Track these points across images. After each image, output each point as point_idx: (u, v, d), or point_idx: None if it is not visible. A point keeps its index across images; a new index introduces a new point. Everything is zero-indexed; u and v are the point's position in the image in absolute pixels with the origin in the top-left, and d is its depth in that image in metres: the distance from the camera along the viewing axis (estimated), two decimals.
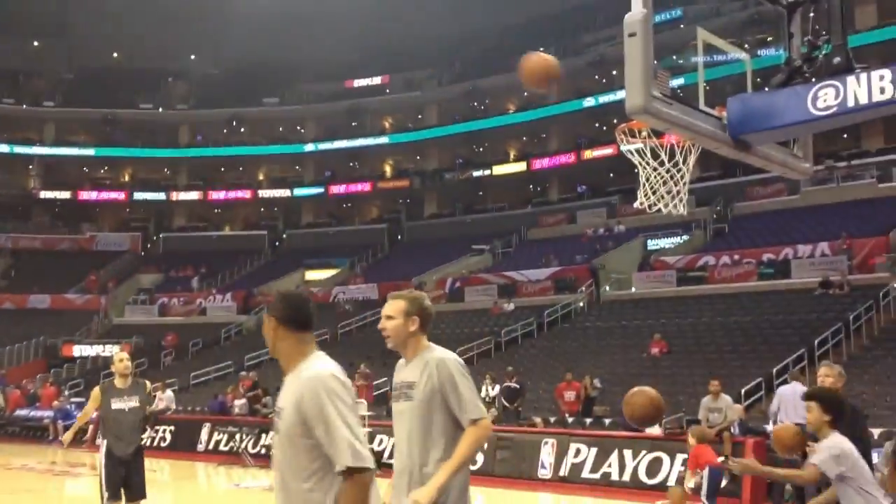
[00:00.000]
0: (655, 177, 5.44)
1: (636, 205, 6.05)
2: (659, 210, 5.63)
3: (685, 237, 31.41)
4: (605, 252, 31.95)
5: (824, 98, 3.98)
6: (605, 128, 39.37)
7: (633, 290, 28.19)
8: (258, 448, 16.83)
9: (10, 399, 26.18)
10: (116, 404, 7.48)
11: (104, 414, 7.52)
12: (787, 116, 4.16)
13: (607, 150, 38.62)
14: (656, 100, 3.98)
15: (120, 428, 7.44)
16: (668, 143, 5.59)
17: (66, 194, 48.34)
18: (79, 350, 35.18)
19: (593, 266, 29.82)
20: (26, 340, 34.80)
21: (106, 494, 7.42)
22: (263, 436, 17.01)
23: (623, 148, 6.08)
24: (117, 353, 7.86)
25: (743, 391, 16.64)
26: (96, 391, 7.71)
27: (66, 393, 26.31)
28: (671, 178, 5.38)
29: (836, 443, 4.53)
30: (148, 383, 8.06)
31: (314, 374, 2.97)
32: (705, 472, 9.46)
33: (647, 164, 5.54)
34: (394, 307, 3.82)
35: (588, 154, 39.45)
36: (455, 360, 3.73)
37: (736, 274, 25.78)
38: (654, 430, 13.80)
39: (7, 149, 47.31)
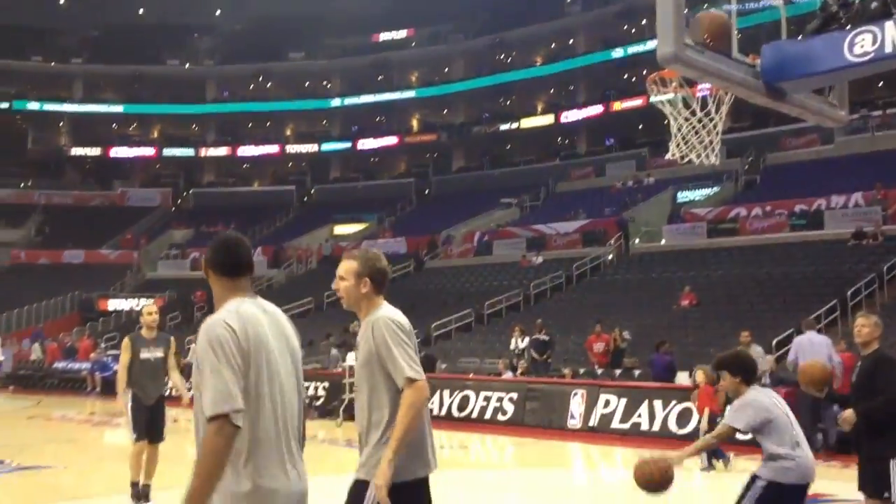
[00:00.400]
0: (687, 127, 5.39)
1: (668, 156, 6.01)
2: (690, 161, 5.58)
3: (715, 189, 31.12)
4: (634, 205, 31.78)
5: (861, 44, 3.92)
6: (633, 79, 38.94)
7: (663, 242, 28.04)
8: None
9: (48, 352, 26.77)
10: (144, 354, 7.86)
11: (132, 363, 7.86)
12: (822, 63, 4.10)
13: (636, 102, 38.27)
14: (688, 48, 3.94)
15: (145, 376, 7.83)
16: (701, 93, 5.54)
17: (96, 151, 48.85)
18: (113, 304, 35.79)
19: (622, 219, 29.68)
20: (62, 295, 35.43)
21: (134, 435, 7.87)
22: None
23: (654, 98, 6.04)
24: (146, 307, 8.31)
25: (774, 343, 16.61)
26: (126, 341, 8.08)
27: (103, 346, 26.85)
28: (703, 127, 5.33)
29: (744, 398, 4.79)
30: (172, 338, 8.39)
31: (208, 320, 2.92)
32: (704, 418, 9.50)
33: (679, 114, 5.49)
34: (345, 268, 3.68)
35: (617, 106, 39.03)
36: (388, 320, 3.54)
37: (767, 225, 25.54)
38: (683, 381, 13.89)
39: (37, 106, 47.76)
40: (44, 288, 35.44)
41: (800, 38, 4.36)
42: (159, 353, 7.92)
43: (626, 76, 40.62)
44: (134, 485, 7.82)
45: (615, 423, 12.94)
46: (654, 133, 40.72)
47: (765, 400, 4.84)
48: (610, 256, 28.02)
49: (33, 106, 47.72)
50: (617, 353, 17.00)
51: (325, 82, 49.18)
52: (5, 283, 38.01)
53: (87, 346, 26.23)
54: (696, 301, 21.12)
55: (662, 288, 23.50)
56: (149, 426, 7.80)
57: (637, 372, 16.02)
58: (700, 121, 5.13)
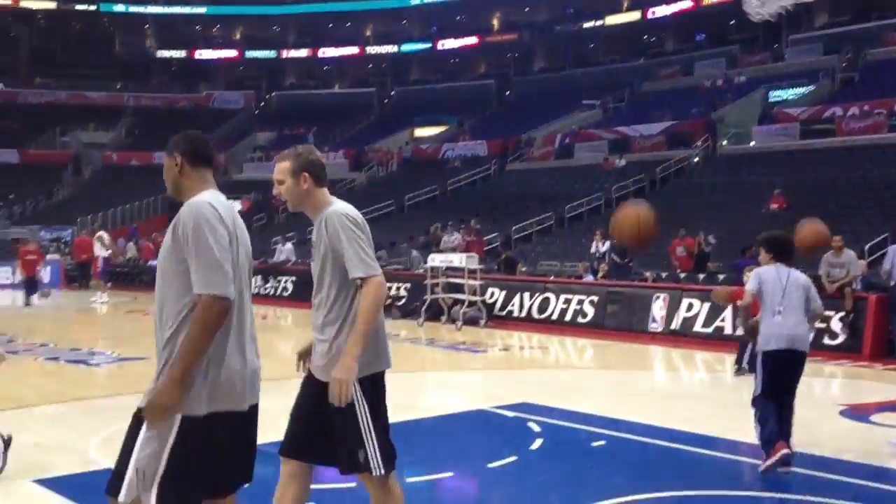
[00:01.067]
0: None
1: (743, 7, 5.63)
2: (760, 17, 5.22)
3: (811, 87, 29.77)
4: (722, 105, 30.70)
5: None
6: None
7: (753, 144, 27.13)
8: None
9: (142, 250, 27.77)
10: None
11: None
12: None
13: None
14: None
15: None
16: None
17: (181, 53, 49.41)
18: None
19: (710, 120, 28.74)
20: (153, 196, 36.46)
21: None
22: None
23: None
24: None
25: (867, 248, 16.09)
26: None
27: None
28: None
29: (757, 270, 5.76)
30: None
31: (190, 203, 3.04)
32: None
33: None
34: (279, 169, 3.55)
35: (707, 0, 37.28)
36: (340, 214, 3.42)
37: (864, 126, 24.41)
38: None
39: (123, 8, 48.31)
40: (136, 188, 36.52)
41: None
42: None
43: None
44: None
45: (697, 327, 12.82)
46: (746, 29, 39.00)
47: (769, 272, 5.64)
48: (696, 159, 27.29)
49: (119, 8, 48.33)
50: (701, 257, 16.71)
51: None
52: (100, 183, 39.38)
53: None
54: (786, 204, 20.48)
55: (750, 191, 22.86)
56: None
57: (721, 276, 15.73)
58: None
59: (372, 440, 3.45)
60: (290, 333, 15.45)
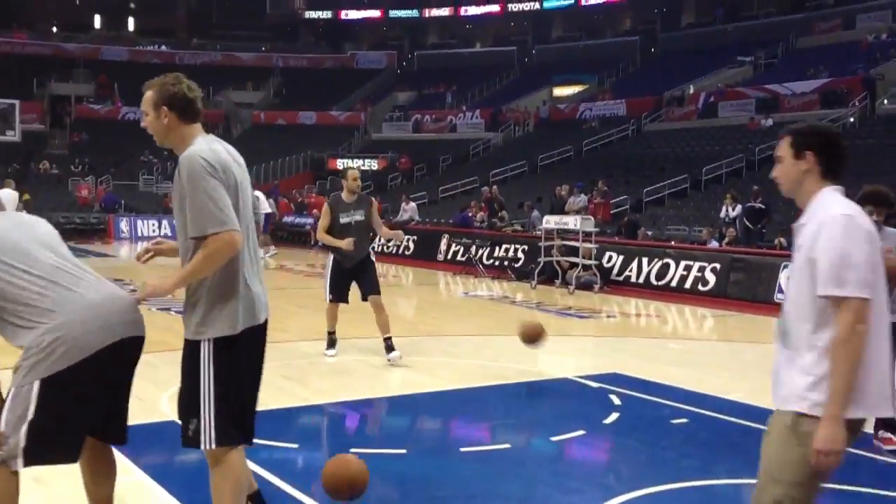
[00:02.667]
0: None
1: None
2: None
3: None
4: (885, 61, 28.33)
5: None
6: None
7: None
8: (491, 260, 17.26)
9: (280, 207, 28.62)
10: (344, 218, 7.70)
11: (332, 226, 7.74)
12: None
13: None
14: None
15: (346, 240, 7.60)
16: None
17: (328, 14, 50.36)
18: (341, 163, 37.43)
19: (869, 76, 26.59)
20: (296, 154, 37.53)
21: (330, 296, 7.97)
22: (497, 248, 17.39)
23: None
24: (350, 171, 7.96)
25: None
26: (325, 206, 8.00)
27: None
28: None
29: None
30: (373, 199, 8.19)
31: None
32: None
33: None
34: (144, 100, 3.23)
35: None
36: (195, 156, 3.04)
37: None
38: None
39: None
40: (281, 147, 37.68)
41: None
42: (359, 217, 7.70)
43: None
44: (329, 333, 8.08)
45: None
46: None
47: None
48: (852, 119, 25.36)
49: None
50: None
51: None
52: (248, 142, 40.78)
53: (319, 202, 27.70)
54: None
55: None
56: (358, 282, 7.81)
57: None
58: None
59: (208, 410, 3.10)
60: (412, 292, 15.51)
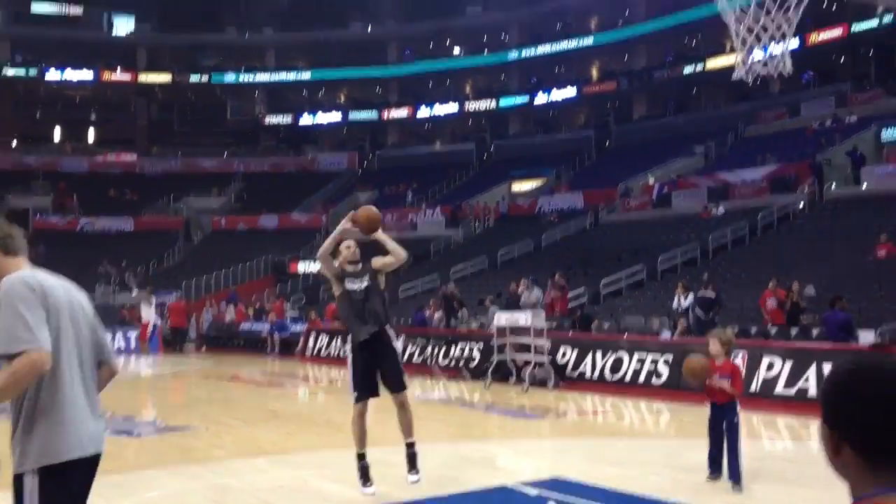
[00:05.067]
0: (746, 34, 4.46)
1: (734, 76, 5.10)
2: (757, 75, 4.66)
3: None
4: (831, 146, 29.08)
5: None
6: (833, 6, 35.51)
7: (864, 187, 25.45)
8: (447, 360, 17.00)
9: (237, 313, 28.27)
10: (350, 285, 6.67)
11: (340, 295, 6.73)
12: None
13: (836, 32, 35.01)
14: None
15: (356, 309, 6.60)
16: None
17: (287, 118, 51.10)
18: (303, 266, 37.31)
19: (816, 162, 27.20)
20: (257, 258, 37.34)
21: (355, 394, 6.66)
22: (452, 347, 17.15)
23: (718, 5, 5.09)
24: (343, 243, 6.92)
25: None
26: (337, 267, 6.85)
27: (288, 306, 28.01)
28: (777, 29, 4.39)
29: None
30: (375, 260, 6.91)
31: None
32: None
33: (748, 17, 4.56)
34: None
35: (814, 38, 35.71)
36: (14, 281, 3.02)
37: None
38: (864, 342, 12.44)
39: (234, 77, 50.46)
40: (241, 252, 37.51)
41: None
42: (366, 282, 6.65)
43: (825, 4, 37.08)
44: (360, 457, 6.69)
45: (779, 389, 11.75)
46: (856, 66, 37.16)
47: None
48: (801, 204, 25.81)
49: (230, 77, 50.50)
50: (793, 310, 15.51)
51: (502, 35, 48.57)
52: (207, 248, 40.71)
53: (278, 307, 27.41)
54: (895, 251, 18.96)
55: (858, 238, 21.35)
56: (374, 376, 6.56)
57: (816, 331, 14.54)
58: (764, 27, 4.21)
59: None
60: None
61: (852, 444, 1.52)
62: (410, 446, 6.69)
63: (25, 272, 3.11)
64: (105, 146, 50.88)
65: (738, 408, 7.05)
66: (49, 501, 2.97)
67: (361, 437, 6.64)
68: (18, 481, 3.00)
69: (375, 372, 6.59)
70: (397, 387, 6.59)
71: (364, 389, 6.57)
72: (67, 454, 3.01)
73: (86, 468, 3.11)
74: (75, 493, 3.09)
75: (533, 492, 7.01)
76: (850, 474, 1.56)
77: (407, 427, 6.68)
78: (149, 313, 21.90)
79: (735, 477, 6.86)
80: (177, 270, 37.44)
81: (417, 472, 6.69)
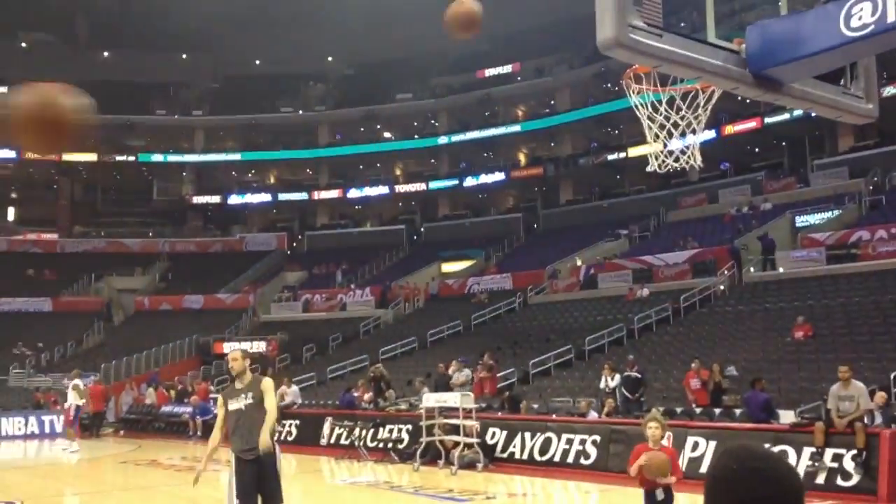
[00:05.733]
0: (658, 130, 4.66)
1: (648, 168, 5.31)
2: (668, 168, 4.86)
3: (837, 212, 29.14)
4: (748, 231, 30.13)
5: (859, 15, 3.15)
6: (747, 101, 37.21)
7: (781, 270, 26.34)
8: (375, 442, 16.73)
9: (159, 396, 27.43)
10: (232, 405, 7.02)
11: (227, 416, 7.04)
12: (815, 42, 3.32)
13: (750, 124, 36.68)
14: (637, 30, 3.28)
15: (237, 429, 6.95)
16: (691, 90, 4.81)
17: (216, 199, 50.72)
18: (228, 347, 36.45)
19: (735, 247, 28.11)
20: (181, 339, 36.46)
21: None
22: (381, 429, 16.90)
23: (631, 100, 5.33)
24: (230, 353, 7.34)
25: (894, 376, 15.06)
26: (220, 399, 7.31)
27: (213, 389, 27.27)
28: (688, 126, 4.60)
29: None
30: (268, 380, 7.29)
31: None
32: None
33: (659, 114, 4.77)
34: None
35: (729, 129, 37.32)
36: None
37: (893, 249, 23.59)
38: (784, 422, 12.68)
39: (161, 157, 50.07)
40: (165, 332, 36.62)
41: (786, 14, 3.59)
42: (249, 400, 6.95)
43: (739, 98, 38.88)
44: None
45: (704, 468, 11.85)
46: (770, 155, 38.88)
47: None
48: (721, 287, 26.54)
49: (157, 157, 50.08)
50: (716, 390, 15.78)
51: (432, 121, 49.55)
52: (129, 328, 39.63)
53: (202, 389, 26.63)
54: (812, 332, 19.56)
55: (776, 319, 22.01)
56: (260, 488, 6.85)
57: (738, 411, 14.78)
58: (675, 123, 4.41)
59: None
60: (292, 481, 14.73)
61: None
62: None
63: None
64: (25, 225, 49.63)
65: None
66: None
67: None
68: None
69: (258, 485, 6.87)
70: (278, 500, 6.94)
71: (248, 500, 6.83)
72: None
73: None
74: None
75: None
76: None
77: None
78: (74, 396, 21.15)
79: None
80: (96, 352, 36.27)
81: None
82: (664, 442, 7.20)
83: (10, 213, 52.39)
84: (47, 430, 24.24)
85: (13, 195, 52.53)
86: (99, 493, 12.83)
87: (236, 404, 6.95)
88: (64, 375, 32.50)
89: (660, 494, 6.67)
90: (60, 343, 36.60)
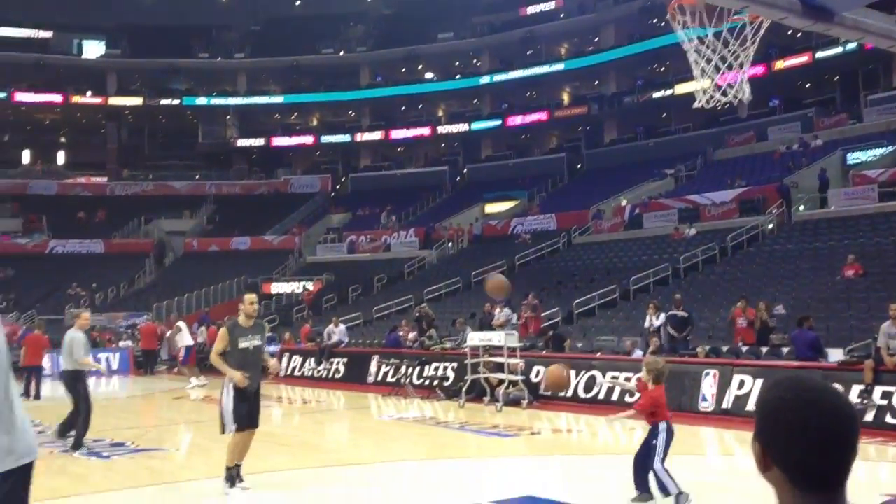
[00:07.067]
0: (705, 64, 4.58)
1: (695, 105, 5.23)
2: (717, 103, 4.78)
3: (890, 148, 28.37)
4: (798, 169, 29.54)
5: None
6: (798, 34, 36.15)
7: (832, 208, 25.86)
8: (421, 379, 16.99)
9: (209, 335, 28.01)
10: (243, 343, 7.80)
11: (231, 351, 7.78)
12: None
13: (801, 59, 35.73)
14: None
15: (246, 366, 7.73)
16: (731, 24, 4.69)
17: (260, 141, 51.02)
18: (276, 287, 37.15)
19: (783, 185, 27.61)
20: (230, 280, 37.09)
21: (233, 427, 7.79)
22: (426, 367, 17.15)
23: (677, 35, 5.22)
24: (248, 295, 8.11)
25: None
26: (223, 330, 8.03)
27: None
28: (735, 60, 4.51)
29: None
30: (266, 325, 8.36)
31: None
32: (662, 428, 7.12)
33: (706, 48, 4.68)
34: None
35: (780, 65, 36.36)
36: None
37: None
38: (832, 360, 12.61)
39: (205, 101, 50.34)
40: (214, 273, 37.26)
41: None
42: (256, 342, 7.87)
43: (789, 31, 37.77)
44: (229, 469, 7.89)
45: (750, 406, 11.86)
46: (821, 91, 37.87)
47: None
48: (770, 226, 26.17)
49: (202, 101, 50.34)
50: (763, 329, 15.69)
51: (474, 60, 48.95)
52: (179, 269, 40.42)
53: None
54: (862, 271, 19.26)
55: (825, 258, 21.70)
56: (249, 414, 7.82)
57: (786, 350, 14.71)
58: (723, 58, 4.32)
59: None
60: (339, 417, 15.10)
61: (780, 467, 1.55)
62: (238, 466, 7.93)
63: None
64: (75, 169, 50.50)
65: (661, 429, 7.11)
66: None
67: (242, 452, 7.91)
68: None
69: (255, 405, 7.99)
70: (255, 425, 8.01)
71: (245, 420, 7.81)
72: None
73: None
74: None
75: None
76: (778, 492, 1.60)
77: (244, 453, 7.96)
78: (183, 337, 22.18)
79: (641, 488, 7.00)
80: (148, 293, 37.12)
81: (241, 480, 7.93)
82: (660, 385, 7.41)
83: (60, 157, 53.28)
84: (104, 367, 24.92)
85: (62, 139, 53.36)
86: (155, 427, 13.27)
87: (245, 343, 7.78)
88: (118, 315, 33.49)
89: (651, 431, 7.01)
90: (113, 284, 37.50)
